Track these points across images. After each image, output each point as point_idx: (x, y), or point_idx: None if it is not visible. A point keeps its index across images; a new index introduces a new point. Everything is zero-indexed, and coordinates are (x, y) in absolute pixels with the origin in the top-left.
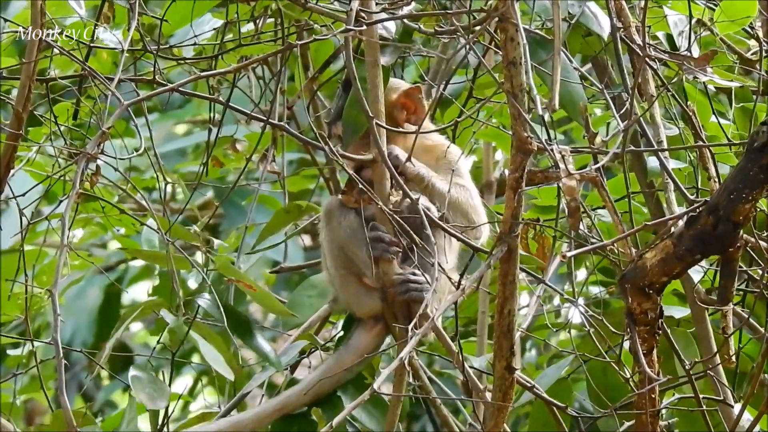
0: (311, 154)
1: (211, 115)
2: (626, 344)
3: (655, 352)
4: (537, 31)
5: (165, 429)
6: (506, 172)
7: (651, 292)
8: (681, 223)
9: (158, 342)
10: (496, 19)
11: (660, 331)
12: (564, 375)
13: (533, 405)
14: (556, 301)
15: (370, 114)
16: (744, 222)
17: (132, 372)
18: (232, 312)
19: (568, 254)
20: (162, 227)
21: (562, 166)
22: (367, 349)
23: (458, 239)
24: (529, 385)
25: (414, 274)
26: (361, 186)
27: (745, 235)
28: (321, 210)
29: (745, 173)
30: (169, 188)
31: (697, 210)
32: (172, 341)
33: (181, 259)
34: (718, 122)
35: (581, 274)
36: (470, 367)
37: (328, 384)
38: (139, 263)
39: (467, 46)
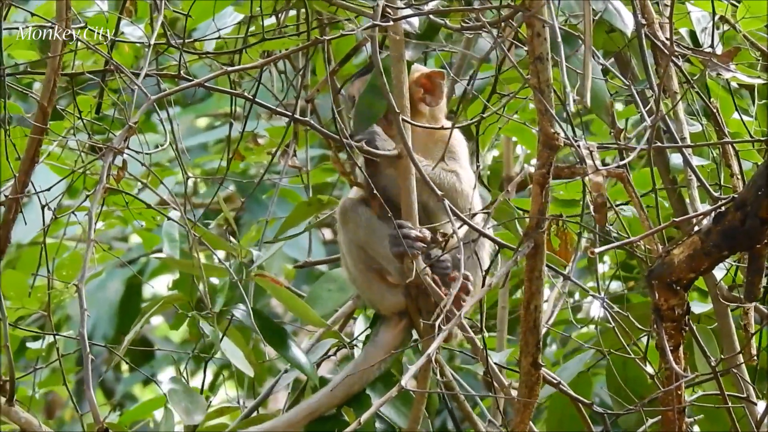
0: (332, 148)
1: (233, 109)
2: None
3: (681, 348)
4: (563, 27)
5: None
6: (526, 167)
7: (678, 288)
8: (708, 219)
9: (193, 350)
10: (521, 14)
11: (687, 328)
12: (584, 368)
13: (551, 398)
14: (577, 295)
15: (396, 109)
16: None
17: (168, 385)
18: (265, 321)
19: (597, 250)
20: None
21: (588, 161)
22: (392, 345)
23: (482, 235)
24: (555, 381)
25: (440, 260)
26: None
27: None
28: (337, 210)
29: None
30: (190, 182)
31: (725, 206)
32: (192, 336)
33: (210, 266)
34: (741, 119)
35: (601, 269)
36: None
37: (358, 383)
38: (159, 256)
39: (494, 42)
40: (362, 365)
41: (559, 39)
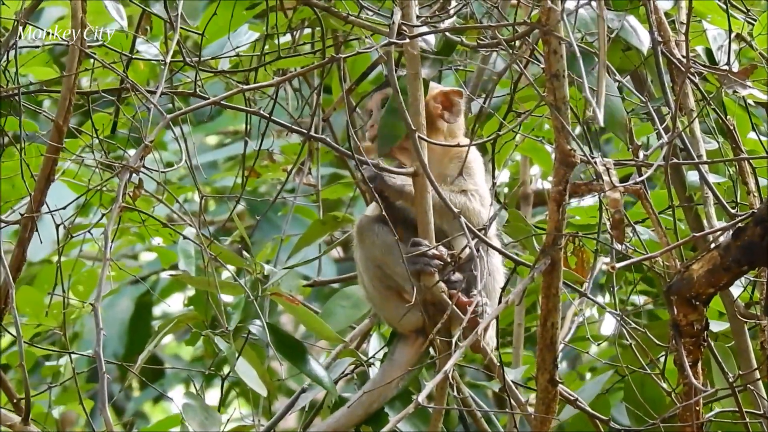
0: (348, 165)
1: (247, 127)
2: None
3: (699, 364)
4: (579, 44)
5: None
6: (537, 184)
7: (697, 303)
8: (727, 234)
9: (210, 370)
10: (537, 31)
11: (705, 343)
12: (602, 390)
13: (571, 420)
14: (588, 313)
15: (412, 127)
16: None
17: (184, 400)
18: (282, 336)
19: (617, 265)
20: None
21: (606, 178)
22: (410, 363)
23: (501, 253)
24: (572, 398)
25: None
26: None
27: None
28: (353, 228)
29: None
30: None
31: (744, 221)
32: (207, 353)
33: (226, 283)
34: (758, 136)
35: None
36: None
37: (377, 401)
38: (170, 275)
39: (510, 59)
40: (380, 383)
41: (578, 54)
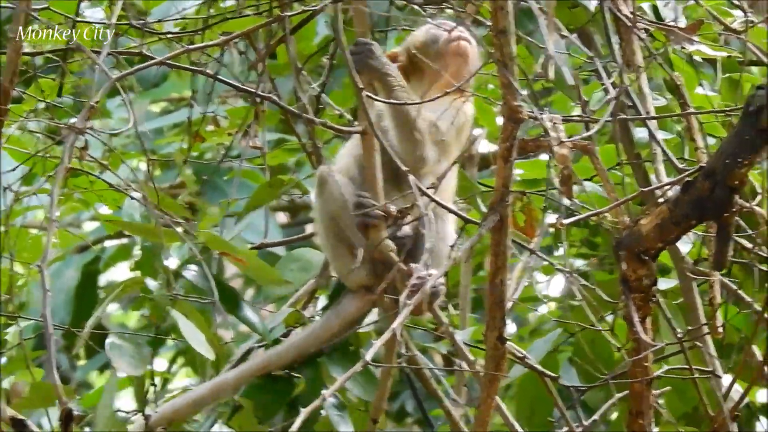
0: (293, 129)
1: (193, 90)
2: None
3: (649, 319)
4: (525, 1)
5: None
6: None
7: (646, 258)
8: (677, 188)
9: (157, 331)
10: None
11: (654, 299)
12: (551, 348)
13: (521, 380)
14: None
15: (360, 85)
16: (740, 186)
17: (110, 339)
18: (218, 284)
19: (565, 221)
20: (149, 199)
21: (553, 134)
22: (354, 316)
23: (451, 212)
24: (520, 356)
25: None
26: None
27: (740, 200)
28: (315, 177)
29: (740, 137)
30: (145, 167)
31: (693, 175)
32: (153, 315)
33: (168, 232)
34: (705, 92)
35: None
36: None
37: (313, 345)
38: (115, 244)
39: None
40: (321, 332)
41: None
